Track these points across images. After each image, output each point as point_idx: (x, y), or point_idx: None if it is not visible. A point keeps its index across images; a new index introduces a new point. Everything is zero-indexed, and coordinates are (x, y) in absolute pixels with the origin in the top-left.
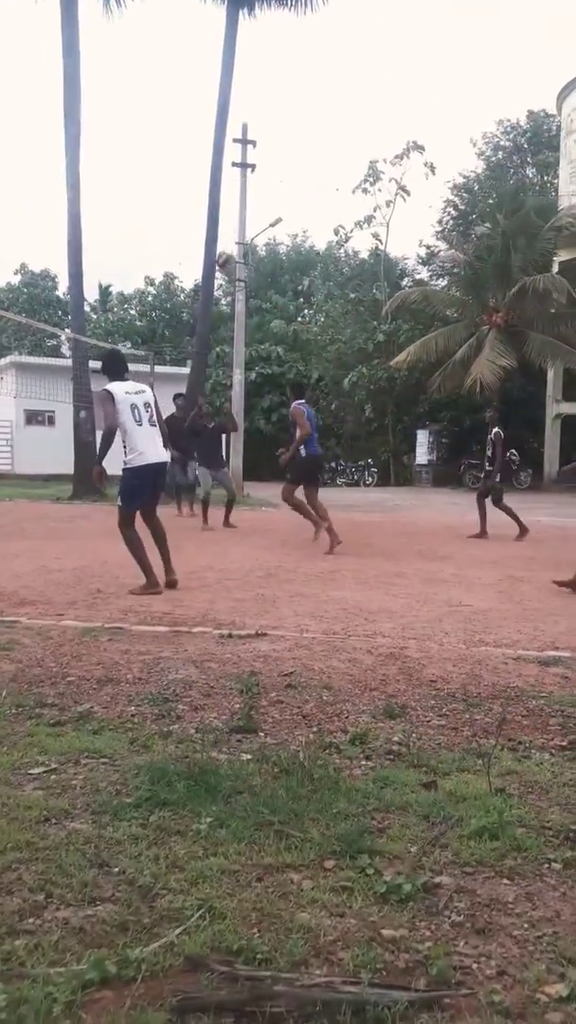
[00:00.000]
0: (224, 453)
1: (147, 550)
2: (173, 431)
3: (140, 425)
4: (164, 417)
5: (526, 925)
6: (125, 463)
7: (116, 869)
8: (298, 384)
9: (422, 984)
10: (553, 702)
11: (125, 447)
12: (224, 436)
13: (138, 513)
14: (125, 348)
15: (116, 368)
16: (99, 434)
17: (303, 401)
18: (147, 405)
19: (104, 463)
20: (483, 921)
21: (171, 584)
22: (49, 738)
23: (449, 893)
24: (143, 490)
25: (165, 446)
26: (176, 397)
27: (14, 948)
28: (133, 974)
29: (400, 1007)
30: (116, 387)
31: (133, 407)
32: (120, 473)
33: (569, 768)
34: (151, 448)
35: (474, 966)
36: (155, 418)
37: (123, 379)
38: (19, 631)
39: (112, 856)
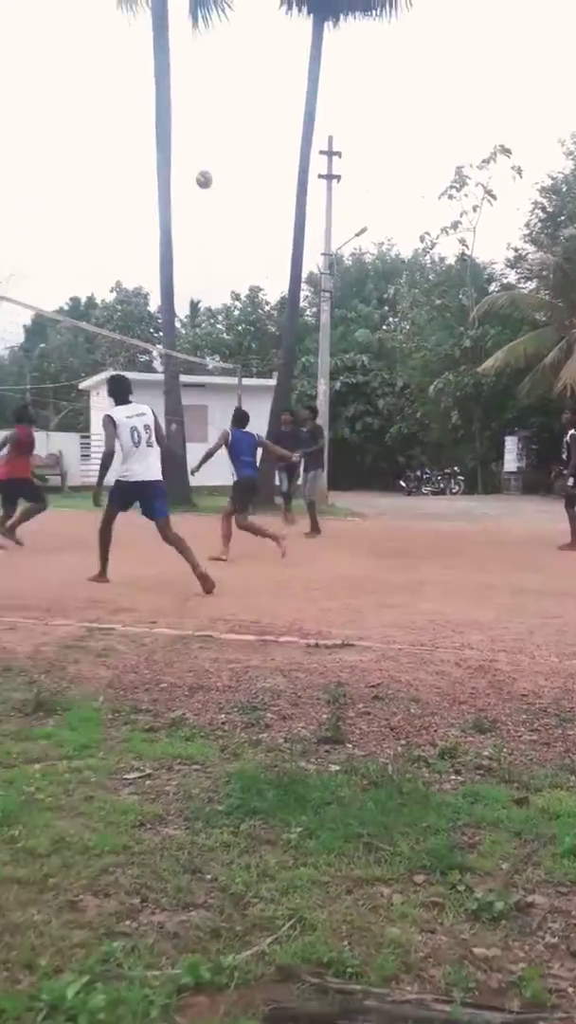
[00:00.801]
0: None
1: (174, 560)
2: (284, 444)
3: (137, 446)
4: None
5: None
6: (118, 475)
7: (209, 876)
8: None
9: (516, 1006)
10: None
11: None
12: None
13: (158, 528)
14: (213, 362)
15: (120, 393)
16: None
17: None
18: (147, 427)
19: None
20: None
21: (207, 590)
22: (144, 743)
23: (543, 913)
24: (124, 501)
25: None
26: (283, 413)
27: (112, 949)
28: (226, 981)
29: None
30: (118, 412)
31: (133, 429)
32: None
33: None
34: (140, 467)
35: (570, 989)
36: (153, 439)
37: (127, 403)
38: (115, 638)
39: (205, 863)
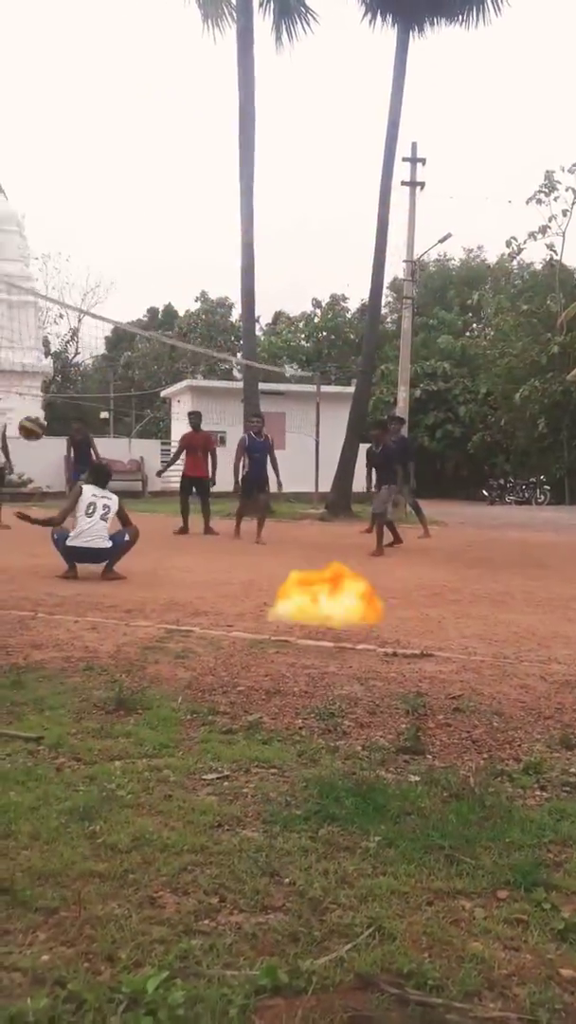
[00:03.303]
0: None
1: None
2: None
3: (90, 517)
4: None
5: None
6: (69, 536)
7: (286, 879)
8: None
9: None
10: None
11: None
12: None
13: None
14: (291, 369)
15: (99, 478)
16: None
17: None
18: (106, 507)
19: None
20: None
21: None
22: (221, 745)
23: None
24: (71, 559)
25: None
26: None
27: (190, 947)
28: (304, 985)
29: None
30: (87, 488)
31: (91, 504)
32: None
33: None
34: (84, 537)
35: None
36: (107, 517)
37: (101, 486)
38: (193, 640)
39: (282, 866)
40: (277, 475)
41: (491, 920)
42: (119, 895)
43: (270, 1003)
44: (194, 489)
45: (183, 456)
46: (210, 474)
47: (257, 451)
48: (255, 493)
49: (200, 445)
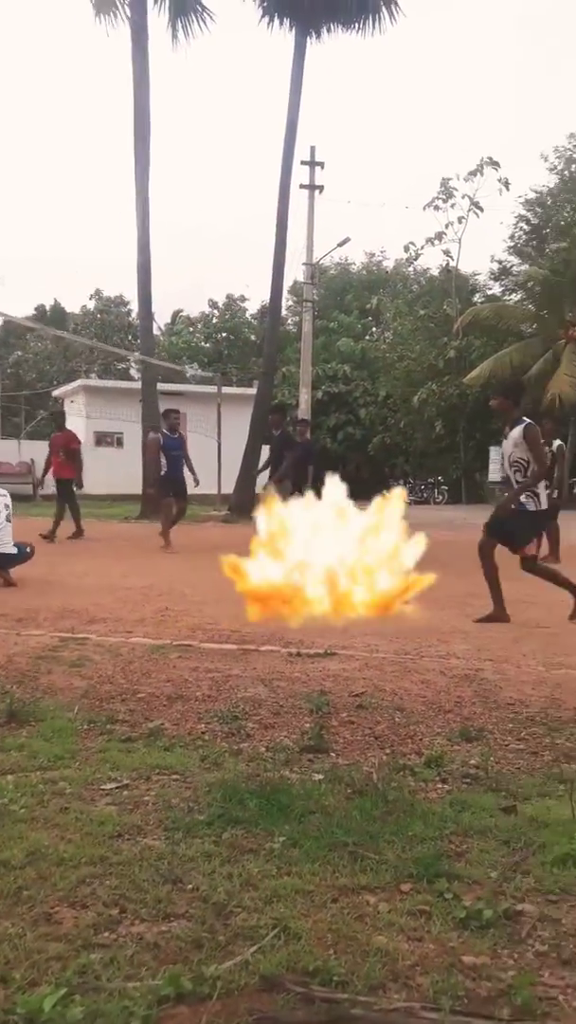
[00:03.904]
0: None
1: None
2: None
3: (9, 522)
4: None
5: None
6: None
7: (190, 886)
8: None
9: (505, 1014)
10: None
11: None
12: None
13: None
14: (191, 370)
15: None
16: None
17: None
18: (7, 507)
19: None
20: (569, 951)
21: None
22: (120, 754)
23: (532, 921)
24: None
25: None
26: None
27: (90, 962)
28: (208, 991)
29: None
30: None
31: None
32: None
33: None
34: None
35: (560, 998)
36: (10, 518)
37: None
38: (90, 648)
39: (185, 873)
40: (193, 472)
41: (395, 913)
42: (12, 913)
43: (173, 1012)
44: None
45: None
46: (75, 474)
47: (175, 449)
48: (173, 495)
49: (61, 445)
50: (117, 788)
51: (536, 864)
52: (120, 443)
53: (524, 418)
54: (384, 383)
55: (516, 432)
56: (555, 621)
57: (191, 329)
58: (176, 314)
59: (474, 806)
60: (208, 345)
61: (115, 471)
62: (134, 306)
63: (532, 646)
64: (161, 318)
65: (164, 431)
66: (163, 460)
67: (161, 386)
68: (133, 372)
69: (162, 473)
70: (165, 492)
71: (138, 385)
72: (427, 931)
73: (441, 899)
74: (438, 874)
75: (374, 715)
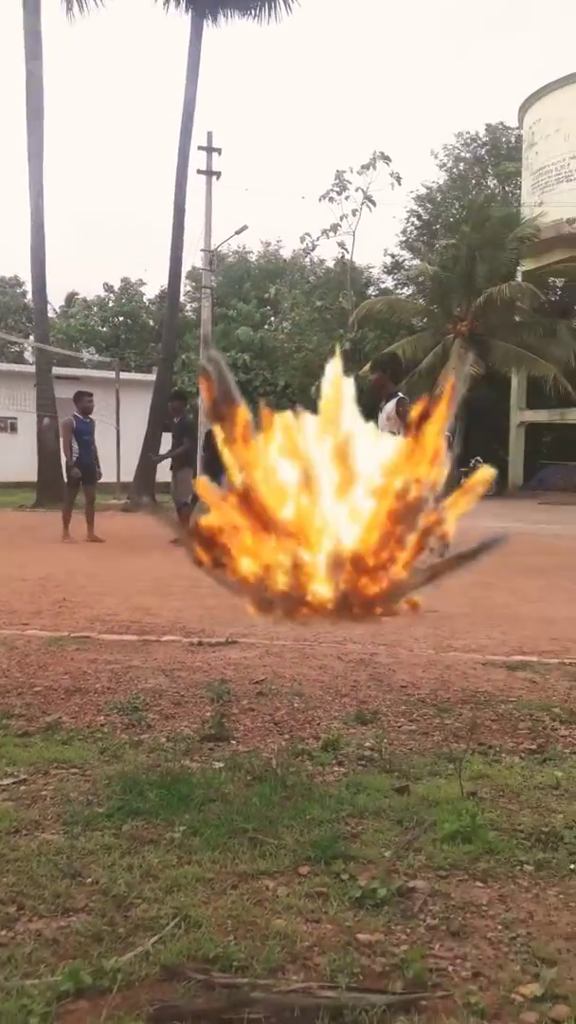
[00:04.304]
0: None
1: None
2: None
3: None
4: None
5: (500, 927)
6: None
7: (89, 879)
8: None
9: (399, 987)
10: (522, 706)
11: None
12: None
13: None
14: (88, 355)
15: None
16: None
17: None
18: None
19: None
20: (458, 924)
21: None
22: (17, 748)
23: (424, 897)
24: None
25: None
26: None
27: None
28: (108, 984)
29: (378, 1010)
30: None
31: None
32: None
33: (539, 771)
34: None
35: (450, 968)
36: None
37: None
38: None
39: (85, 866)
40: (96, 461)
41: (293, 896)
42: None
43: (73, 1007)
44: None
45: None
46: None
47: (87, 433)
48: (82, 482)
49: None
50: (14, 783)
51: (428, 841)
52: (14, 428)
53: (398, 392)
54: (283, 373)
55: (389, 406)
56: (445, 605)
57: (87, 312)
58: (71, 296)
59: (369, 787)
60: (105, 329)
61: (8, 457)
62: (29, 287)
63: (423, 630)
64: (56, 300)
65: (76, 415)
66: (74, 445)
67: (57, 370)
68: (28, 356)
69: (74, 458)
70: (72, 480)
71: (32, 368)
72: (324, 912)
73: (338, 880)
74: (335, 856)
75: (274, 701)
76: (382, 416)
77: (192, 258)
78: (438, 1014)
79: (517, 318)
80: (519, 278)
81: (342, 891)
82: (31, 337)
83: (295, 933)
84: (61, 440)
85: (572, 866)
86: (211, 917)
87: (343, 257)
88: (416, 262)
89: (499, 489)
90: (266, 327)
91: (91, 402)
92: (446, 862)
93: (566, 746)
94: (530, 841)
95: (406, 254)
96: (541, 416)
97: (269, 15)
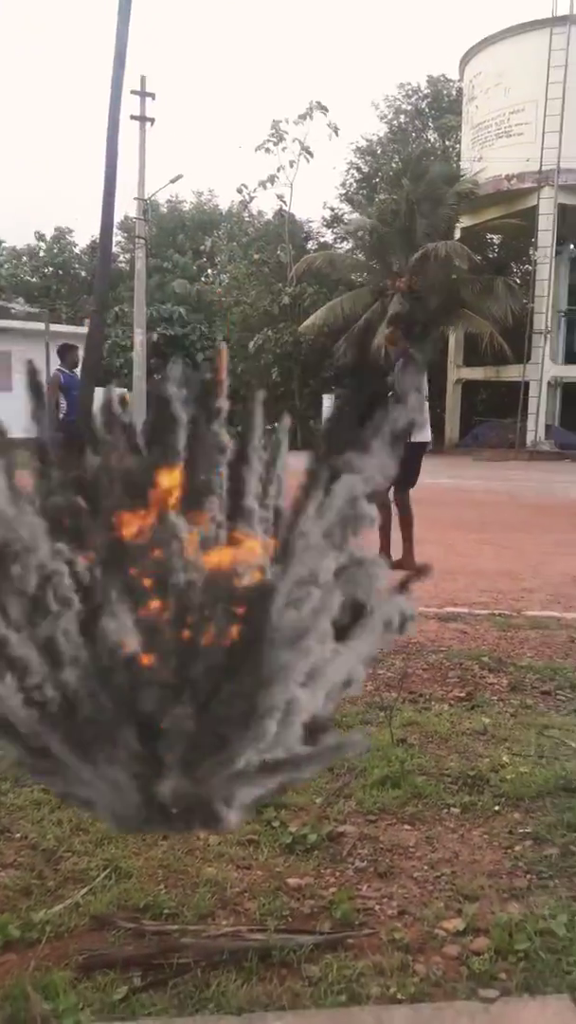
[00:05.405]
0: None
1: None
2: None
3: None
4: None
5: (426, 867)
6: None
7: (18, 835)
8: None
9: (326, 927)
10: (452, 656)
11: None
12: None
13: None
14: (19, 305)
15: None
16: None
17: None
18: None
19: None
20: (385, 865)
21: None
22: None
23: (353, 841)
24: None
25: None
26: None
27: None
28: (37, 936)
29: (305, 950)
30: None
31: None
32: None
33: (467, 718)
34: None
35: (376, 907)
36: None
37: None
38: None
39: (13, 822)
40: None
41: (225, 844)
42: None
43: (2, 960)
44: None
45: None
46: None
47: (76, 388)
48: None
49: None
50: None
51: (358, 787)
52: None
53: (409, 350)
54: (220, 327)
55: (399, 364)
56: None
57: (16, 262)
58: None
59: None
60: (36, 280)
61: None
62: None
63: None
64: None
65: (62, 369)
66: (62, 401)
67: None
68: None
69: (61, 416)
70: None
71: None
72: (255, 859)
73: (269, 828)
74: (266, 804)
75: None
76: (395, 373)
77: (125, 207)
78: (364, 950)
79: (454, 276)
80: (458, 234)
81: (273, 838)
82: None
83: (226, 880)
84: (48, 395)
85: (496, 807)
86: (142, 868)
87: (281, 210)
88: (356, 216)
89: (436, 446)
90: (203, 280)
91: (79, 355)
92: (375, 807)
93: (494, 693)
94: (457, 785)
95: (346, 208)
96: (477, 373)
97: None
